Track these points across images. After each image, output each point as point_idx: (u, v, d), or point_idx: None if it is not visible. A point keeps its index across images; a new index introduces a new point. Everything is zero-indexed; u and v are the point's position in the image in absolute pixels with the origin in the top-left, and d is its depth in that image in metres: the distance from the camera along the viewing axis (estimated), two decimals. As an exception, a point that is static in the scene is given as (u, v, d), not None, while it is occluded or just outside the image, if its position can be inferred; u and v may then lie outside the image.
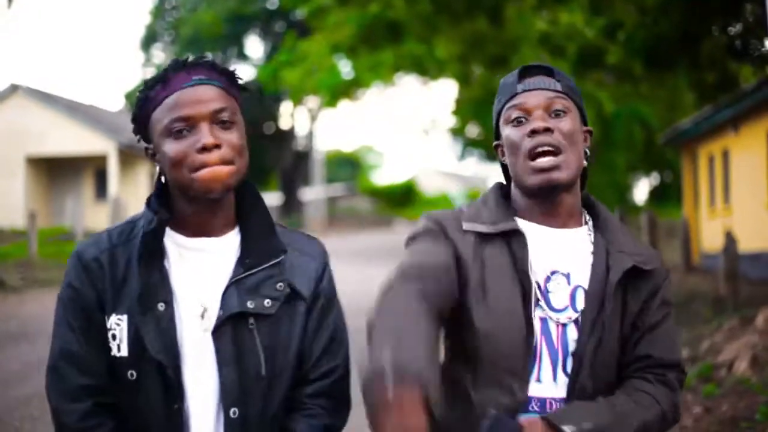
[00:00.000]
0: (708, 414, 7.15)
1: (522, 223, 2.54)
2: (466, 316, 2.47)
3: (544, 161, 2.45)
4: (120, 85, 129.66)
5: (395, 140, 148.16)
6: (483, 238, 2.51)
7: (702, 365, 8.63)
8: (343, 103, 34.92)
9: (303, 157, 51.85)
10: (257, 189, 2.52)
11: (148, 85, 2.35)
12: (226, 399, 2.35)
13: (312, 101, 45.17)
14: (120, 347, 2.35)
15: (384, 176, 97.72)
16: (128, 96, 50.82)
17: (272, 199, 51.41)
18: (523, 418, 2.32)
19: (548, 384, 2.44)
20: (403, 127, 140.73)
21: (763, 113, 17.28)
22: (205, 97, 2.32)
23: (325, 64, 27.87)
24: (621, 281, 2.48)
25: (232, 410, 2.35)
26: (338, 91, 29.44)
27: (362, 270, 19.76)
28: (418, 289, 2.26)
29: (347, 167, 75.84)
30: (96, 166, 35.06)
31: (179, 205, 2.40)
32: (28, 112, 33.37)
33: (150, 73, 50.85)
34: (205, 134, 2.28)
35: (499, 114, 2.60)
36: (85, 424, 2.37)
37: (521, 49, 21.07)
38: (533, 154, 2.46)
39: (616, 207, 24.90)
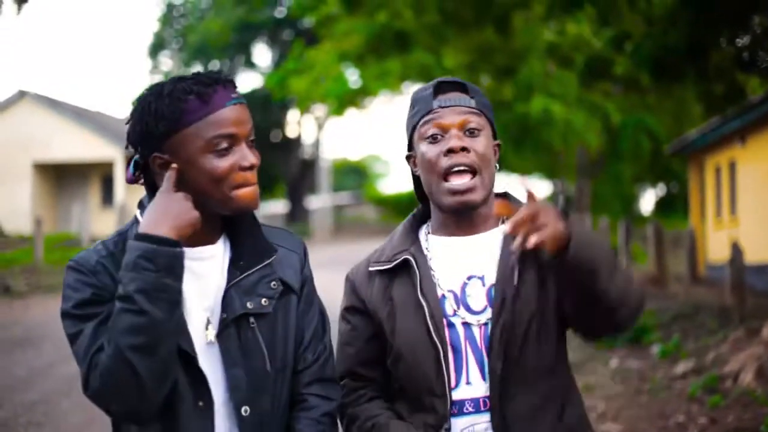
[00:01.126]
0: (713, 425, 7.14)
1: (436, 240, 2.69)
2: (387, 352, 2.65)
3: (459, 183, 2.56)
4: (127, 92, 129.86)
5: (402, 149, 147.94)
6: (387, 274, 2.68)
7: (707, 376, 8.62)
8: (351, 112, 34.90)
9: (309, 166, 51.83)
10: None
11: (181, 98, 2.35)
12: (236, 398, 2.40)
13: (319, 109, 45.18)
14: None
15: (390, 185, 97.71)
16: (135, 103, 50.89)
17: (278, 207, 51.49)
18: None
19: (478, 384, 2.56)
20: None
21: (771, 125, 17.29)
22: (245, 117, 2.40)
23: (333, 72, 27.88)
24: (528, 259, 2.56)
25: (243, 408, 2.41)
26: (345, 100, 29.44)
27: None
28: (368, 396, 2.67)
29: (354, 176, 75.83)
30: (103, 173, 35.13)
31: None
32: (36, 118, 33.44)
33: (157, 80, 50.88)
34: (248, 153, 2.37)
35: (414, 128, 2.66)
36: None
37: (528, 60, 21.10)
38: (448, 174, 2.56)
39: (622, 217, 24.86)
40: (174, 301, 2.24)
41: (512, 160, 27.22)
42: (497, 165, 2.67)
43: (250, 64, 49.83)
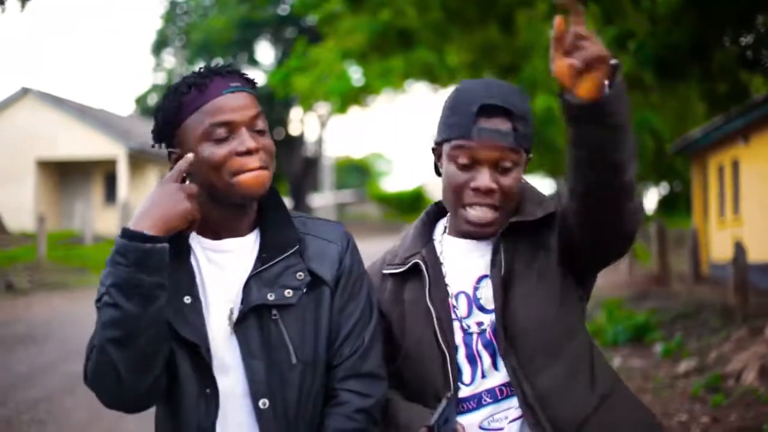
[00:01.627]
0: (716, 424, 7.14)
1: (450, 241, 2.69)
2: (395, 351, 2.65)
3: (478, 217, 2.56)
4: (130, 90, 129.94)
5: (405, 147, 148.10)
6: (400, 276, 2.69)
7: (710, 375, 8.62)
8: (353, 110, 34.89)
9: (312, 164, 51.89)
10: (275, 188, 2.57)
11: (181, 91, 2.40)
12: (254, 391, 2.40)
13: (322, 107, 45.17)
14: None
15: (393, 183, 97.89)
16: (138, 100, 50.94)
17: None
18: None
19: (491, 374, 2.56)
20: (412, 134, 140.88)
21: (774, 124, 17.28)
22: (244, 103, 2.40)
23: (336, 70, 27.87)
24: (521, 243, 2.57)
25: (261, 401, 2.40)
26: (348, 98, 29.43)
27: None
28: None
29: (357, 174, 75.88)
30: (106, 170, 35.15)
31: (209, 211, 2.45)
32: (39, 116, 33.48)
33: (161, 77, 51.01)
34: (247, 139, 2.37)
35: (446, 139, 2.59)
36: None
37: (532, 58, 21.08)
38: (470, 205, 2.56)
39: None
40: (149, 295, 2.23)
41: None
42: (521, 178, 2.64)
43: (253, 62, 49.83)
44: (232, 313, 2.43)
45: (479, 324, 2.57)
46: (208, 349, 2.39)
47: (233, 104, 2.38)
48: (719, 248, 21.37)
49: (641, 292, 16.78)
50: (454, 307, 2.60)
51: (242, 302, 2.42)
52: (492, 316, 2.56)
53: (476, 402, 2.56)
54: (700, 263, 20.80)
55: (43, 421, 7.82)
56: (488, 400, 2.56)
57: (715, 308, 13.19)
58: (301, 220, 2.59)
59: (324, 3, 23.43)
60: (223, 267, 2.46)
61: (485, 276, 2.60)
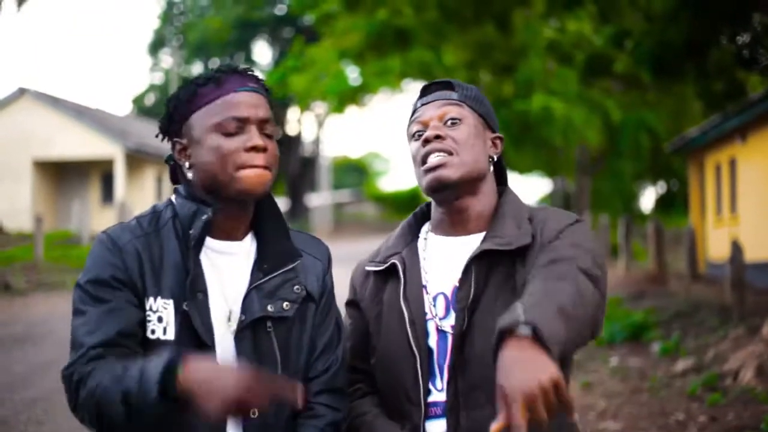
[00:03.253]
0: (713, 423, 7.14)
1: (433, 239, 2.68)
2: (371, 352, 2.67)
3: (431, 160, 2.55)
4: (127, 90, 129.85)
5: (402, 147, 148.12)
6: (381, 274, 2.70)
7: (707, 374, 8.62)
8: (351, 109, 34.93)
9: (310, 163, 51.90)
10: (273, 196, 2.60)
11: (199, 82, 2.43)
12: None
13: (319, 107, 45.21)
14: (166, 330, 2.37)
15: (390, 183, 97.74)
16: (136, 100, 50.93)
17: (279, 204, 51.37)
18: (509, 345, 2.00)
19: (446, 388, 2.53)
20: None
21: (771, 122, 17.29)
22: (258, 103, 2.43)
23: (333, 70, 27.86)
24: (495, 270, 2.50)
25: (251, 411, 2.37)
26: (345, 97, 29.41)
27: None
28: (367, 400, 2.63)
29: (354, 173, 75.89)
30: (103, 170, 35.13)
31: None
32: (36, 116, 33.45)
33: (158, 77, 51.06)
34: (256, 135, 2.39)
35: (407, 133, 2.70)
36: (92, 365, 2.29)
37: (529, 57, 21.10)
38: (425, 159, 2.57)
39: (621, 215, 24.88)
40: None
41: (512, 157, 27.19)
42: (493, 157, 2.66)
43: (250, 62, 49.82)
44: (230, 318, 2.43)
45: (453, 327, 2.53)
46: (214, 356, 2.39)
47: (248, 101, 2.41)
48: (716, 247, 21.38)
49: (638, 291, 16.78)
50: (433, 307, 2.58)
51: (243, 312, 2.43)
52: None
53: (433, 411, 2.53)
54: (698, 262, 20.81)
55: (41, 421, 7.81)
56: (438, 412, 2.53)
57: (712, 307, 13.19)
58: (293, 233, 2.62)
59: (321, 3, 23.44)
60: (222, 270, 2.46)
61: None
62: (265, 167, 2.41)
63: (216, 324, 2.41)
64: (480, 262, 2.51)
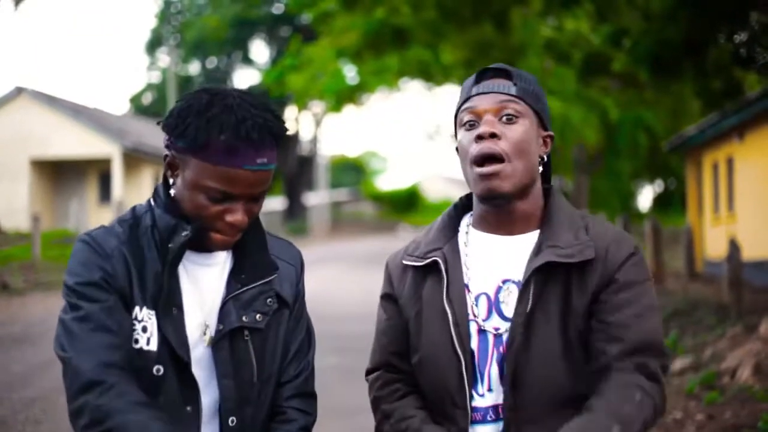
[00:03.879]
0: (711, 421, 7.14)
1: (475, 235, 2.58)
2: (411, 352, 2.58)
3: (485, 169, 2.43)
4: (125, 89, 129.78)
5: (400, 145, 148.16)
6: (420, 270, 2.58)
7: (705, 372, 8.62)
8: (348, 108, 34.92)
9: (307, 162, 51.89)
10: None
11: (215, 131, 2.28)
12: (225, 408, 2.41)
13: (317, 106, 45.18)
14: (150, 341, 2.36)
15: (388, 181, 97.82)
16: (133, 99, 50.91)
17: (276, 203, 51.46)
18: None
19: (499, 391, 2.46)
20: (407, 133, 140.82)
21: (768, 121, 17.31)
22: (259, 182, 2.33)
23: (330, 68, 27.87)
24: (552, 278, 2.43)
25: (230, 419, 2.42)
26: (343, 96, 29.43)
27: (366, 274, 19.78)
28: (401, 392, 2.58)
29: (351, 172, 75.87)
30: (100, 170, 35.12)
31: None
32: (33, 115, 33.43)
33: (155, 76, 51.01)
34: (240, 213, 2.35)
35: (456, 116, 2.59)
36: (103, 377, 2.26)
37: (527, 56, 21.09)
38: (478, 161, 2.45)
39: (619, 214, 24.89)
40: None
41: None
42: (543, 157, 2.55)
43: (247, 61, 49.87)
44: (207, 329, 2.42)
45: (496, 329, 2.47)
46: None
47: (248, 181, 2.30)
48: (714, 245, 21.40)
49: (636, 290, 16.75)
50: (475, 307, 2.49)
51: (221, 321, 2.41)
52: (509, 325, 2.45)
53: (481, 416, 2.47)
54: (695, 260, 20.83)
55: (39, 420, 7.81)
56: (492, 416, 2.47)
57: (710, 305, 13.20)
58: (267, 237, 2.58)
59: (318, 1, 23.44)
60: (198, 280, 2.45)
61: (509, 280, 2.50)
62: (239, 231, 2.38)
63: (191, 335, 2.40)
64: (539, 273, 2.43)
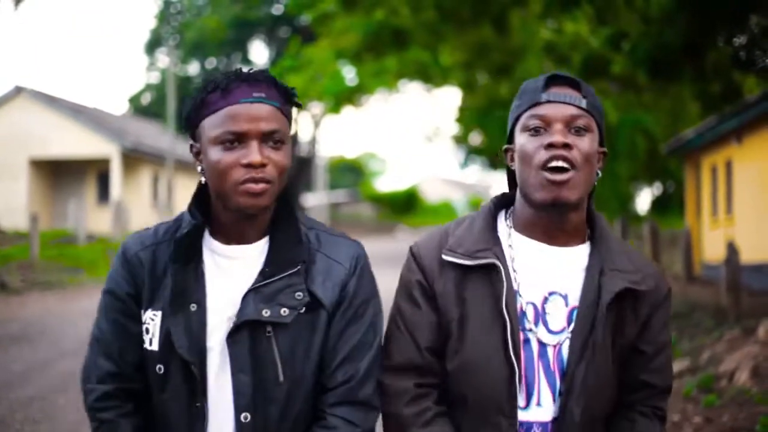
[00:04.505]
0: (708, 424, 7.14)
1: (520, 240, 2.52)
2: (450, 356, 2.49)
3: (559, 176, 2.39)
4: (124, 89, 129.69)
5: (398, 147, 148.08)
6: (464, 269, 2.49)
7: (703, 375, 8.62)
8: (347, 110, 34.94)
9: (306, 163, 51.83)
10: (291, 197, 2.55)
11: (208, 89, 2.39)
12: (238, 403, 2.40)
13: (316, 107, 45.15)
14: (152, 341, 2.43)
15: (387, 183, 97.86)
16: (132, 100, 50.88)
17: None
18: None
19: (548, 407, 2.45)
20: (406, 134, 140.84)
21: (767, 124, 17.29)
22: (262, 115, 2.36)
23: (330, 70, 27.91)
24: (613, 302, 2.44)
25: (243, 415, 2.40)
26: (342, 97, 29.48)
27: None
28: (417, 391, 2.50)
29: (350, 173, 75.88)
30: (99, 170, 35.09)
31: (217, 211, 2.46)
32: (32, 115, 33.41)
33: (154, 77, 50.98)
34: (254, 151, 2.34)
35: (517, 118, 2.52)
36: (101, 404, 2.47)
37: (526, 58, 21.10)
38: (547, 167, 2.40)
39: (618, 216, 24.89)
40: None
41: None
42: (599, 173, 2.53)
43: (246, 61, 49.77)
44: (231, 317, 2.42)
45: (540, 343, 2.45)
46: (202, 365, 2.40)
47: (249, 114, 2.35)
48: (712, 248, 21.40)
49: (634, 292, 16.75)
50: (524, 316, 2.46)
51: (237, 314, 2.40)
52: (557, 338, 2.46)
53: (525, 429, 2.45)
54: (693, 263, 20.83)
55: (37, 420, 7.80)
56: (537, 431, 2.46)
57: (707, 308, 13.21)
58: (316, 233, 2.54)
59: (318, 3, 23.43)
60: (230, 274, 2.45)
61: (555, 292, 2.48)
62: (264, 181, 2.35)
63: (217, 329, 2.41)
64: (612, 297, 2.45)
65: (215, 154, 2.35)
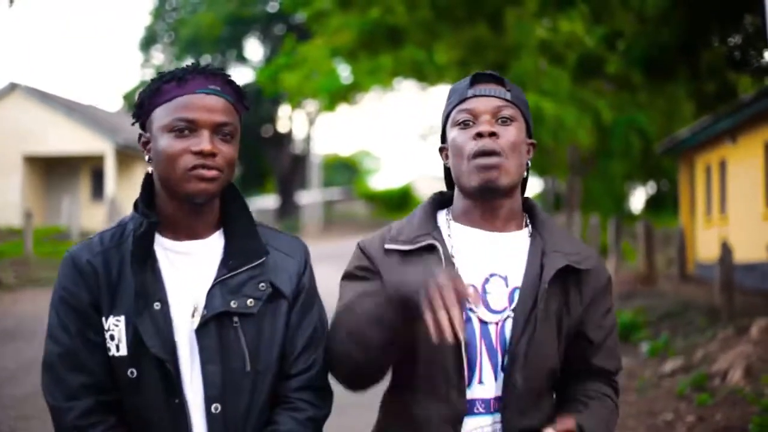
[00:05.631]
0: (701, 423, 7.16)
1: (459, 228, 2.64)
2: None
3: (487, 160, 2.52)
4: (119, 86, 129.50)
5: (393, 145, 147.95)
6: (404, 255, 2.59)
7: (696, 374, 8.64)
8: (342, 107, 34.83)
9: (300, 161, 51.83)
10: (240, 192, 2.59)
11: (164, 79, 2.44)
12: (208, 394, 2.42)
13: (310, 105, 45.17)
14: (119, 347, 2.42)
15: (381, 181, 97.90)
16: (127, 96, 50.81)
17: (269, 202, 51.41)
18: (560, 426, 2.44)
19: (490, 384, 2.53)
20: (400, 132, 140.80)
21: (761, 124, 17.32)
22: (216, 107, 2.42)
23: (325, 67, 27.83)
24: (555, 280, 2.54)
25: (213, 406, 2.42)
26: (337, 95, 29.38)
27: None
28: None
29: (344, 171, 75.82)
30: (93, 166, 35.06)
31: (165, 207, 2.48)
32: (27, 111, 33.34)
33: (149, 74, 50.84)
34: (206, 140, 2.38)
35: (447, 117, 2.67)
36: (85, 421, 2.43)
37: (521, 56, 21.11)
38: (478, 155, 2.53)
39: (612, 215, 24.91)
40: None
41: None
42: (528, 162, 2.66)
43: (241, 59, 49.78)
44: (195, 310, 2.44)
45: (482, 322, 2.53)
46: (175, 361, 2.41)
47: (203, 104, 2.40)
48: (705, 248, 21.44)
49: (628, 292, 16.81)
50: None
51: (206, 307, 2.43)
52: (497, 317, 2.53)
53: (469, 407, 2.51)
54: (687, 262, 20.87)
55: (29, 417, 7.80)
56: (480, 409, 2.52)
57: (701, 308, 13.23)
58: (262, 230, 2.60)
59: (313, 0, 23.42)
60: (185, 270, 2.47)
61: (495, 274, 2.57)
62: (212, 170, 2.39)
63: (182, 324, 2.43)
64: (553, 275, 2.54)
65: (165, 140, 2.39)
